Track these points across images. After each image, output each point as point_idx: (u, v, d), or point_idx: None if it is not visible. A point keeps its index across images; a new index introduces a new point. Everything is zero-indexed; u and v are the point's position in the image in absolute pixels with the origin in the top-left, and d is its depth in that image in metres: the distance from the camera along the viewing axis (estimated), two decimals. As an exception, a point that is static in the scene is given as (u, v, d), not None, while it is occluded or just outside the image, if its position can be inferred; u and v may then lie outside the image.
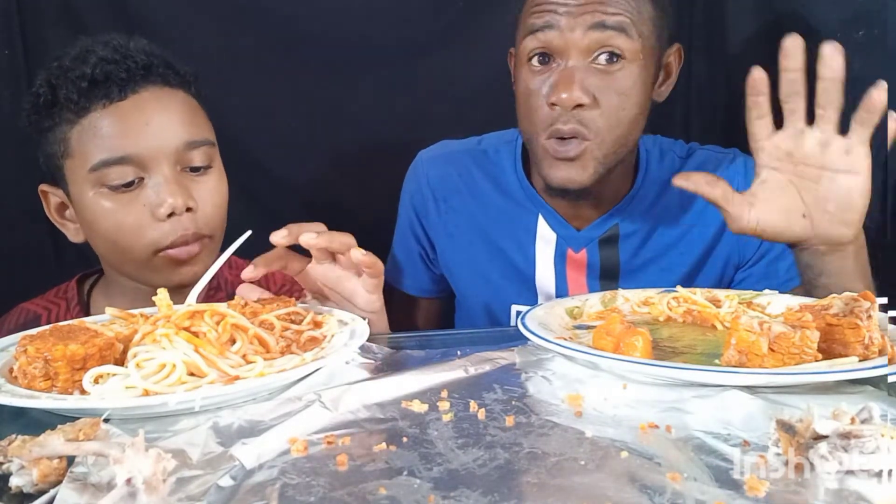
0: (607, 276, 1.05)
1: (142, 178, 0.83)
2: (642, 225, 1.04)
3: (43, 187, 0.90)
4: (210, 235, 0.88)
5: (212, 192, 0.87)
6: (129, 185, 0.82)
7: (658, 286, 1.01)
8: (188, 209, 0.84)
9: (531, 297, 1.08)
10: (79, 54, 0.83)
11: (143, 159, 0.82)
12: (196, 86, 0.91)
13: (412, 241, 1.16)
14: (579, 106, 0.87)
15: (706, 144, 1.10)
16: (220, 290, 1.00)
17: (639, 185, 1.04)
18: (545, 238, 1.06)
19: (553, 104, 0.88)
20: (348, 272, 0.79)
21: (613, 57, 0.88)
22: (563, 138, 0.90)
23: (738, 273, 1.06)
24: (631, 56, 0.88)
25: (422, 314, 1.22)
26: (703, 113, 1.43)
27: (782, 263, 1.02)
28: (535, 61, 0.91)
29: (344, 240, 0.75)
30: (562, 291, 1.06)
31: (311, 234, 0.73)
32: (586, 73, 0.88)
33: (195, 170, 0.87)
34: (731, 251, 1.04)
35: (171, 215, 0.83)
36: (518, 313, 1.08)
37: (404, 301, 1.21)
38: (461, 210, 1.10)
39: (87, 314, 0.95)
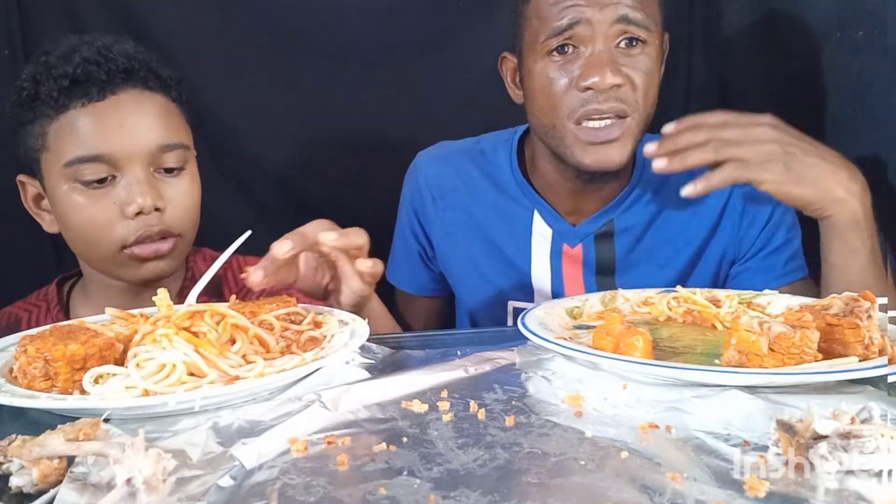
0: (603, 272, 1.05)
1: (114, 176, 0.85)
2: (638, 221, 1.05)
3: (21, 178, 0.92)
4: (179, 234, 0.90)
5: (182, 194, 0.89)
6: (101, 181, 0.85)
7: (655, 282, 1.02)
8: (156, 209, 0.86)
9: (528, 294, 1.08)
10: (64, 53, 0.85)
11: (116, 159, 0.84)
12: (178, 89, 0.92)
13: (412, 240, 1.17)
14: (616, 87, 0.90)
15: None
16: (195, 282, 1.01)
17: (635, 181, 1.05)
18: (541, 233, 1.07)
19: (588, 88, 0.90)
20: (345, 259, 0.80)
21: (634, 41, 0.92)
22: (599, 124, 0.92)
23: (733, 267, 1.07)
24: (649, 39, 0.92)
25: (421, 313, 1.22)
26: (702, 112, 1.43)
27: (780, 257, 1.03)
28: (555, 54, 0.92)
29: (359, 242, 0.77)
30: (557, 287, 1.07)
31: (332, 235, 0.73)
32: (614, 56, 0.90)
33: (169, 171, 0.89)
34: (728, 246, 1.05)
35: (139, 214, 0.85)
36: (515, 310, 1.09)
37: (404, 299, 1.21)
38: (459, 208, 1.11)
39: (67, 315, 0.97)
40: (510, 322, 1.09)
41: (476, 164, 1.11)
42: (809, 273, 1.04)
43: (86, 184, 0.84)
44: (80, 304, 0.98)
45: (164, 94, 0.90)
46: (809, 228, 1.08)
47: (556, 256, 1.06)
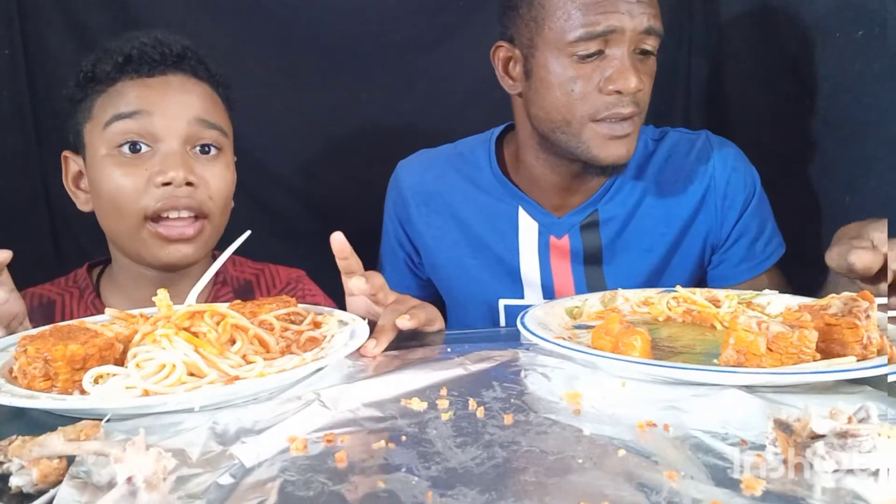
0: (591, 261, 1.07)
1: (150, 148, 0.87)
2: (621, 210, 1.07)
3: (66, 153, 0.95)
4: (207, 216, 0.90)
5: (215, 176, 0.91)
6: (136, 150, 0.87)
7: (641, 266, 1.04)
8: (188, 183, 0.87)
9: (517, 290, 1.09)
10: (124, 38, 0.91)
11: (154, 124, 0.87)
12: (224, 89, 0.96)
13: (397, 249, 1.19)
14: (638, 91, 0.93)
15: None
16: (226, 285, 1.03)
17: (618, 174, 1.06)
18: (527, 228, 1.08)
19: (618, 91, 0.92)
20: None
21: (646, 50, 0.95)
22: (617, 122, 0.95)
23: (715, 256, 1.09)
24: (656, 46, 0.96)
25: None
26: (702, 112, 1.43)
27: (759, 244, 1.06)
28: (582, 53, 0.93)
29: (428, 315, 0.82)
30: (547, 279, 1.08)
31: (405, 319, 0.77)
32: (636, 61, 0.94)
33: (205, 153, 0.91)
34: (710, 229, 1.07)
35: (166, 185, 0.86)
36: (507, 308, 1.10)
37: None
38: (443, 212, 1.12)
39: (101, 302, 0.97)
40: (503, 321, 1.10)
41: (455, 167, 1.13)
42: (785, 258, 1.07)
43: (122, 151, 0.86)
44: (109, 292, 0.99)
45: (210, 85, 0.94)
46: (789, 210, 1.10)
47: (543, 248, 1.08)
